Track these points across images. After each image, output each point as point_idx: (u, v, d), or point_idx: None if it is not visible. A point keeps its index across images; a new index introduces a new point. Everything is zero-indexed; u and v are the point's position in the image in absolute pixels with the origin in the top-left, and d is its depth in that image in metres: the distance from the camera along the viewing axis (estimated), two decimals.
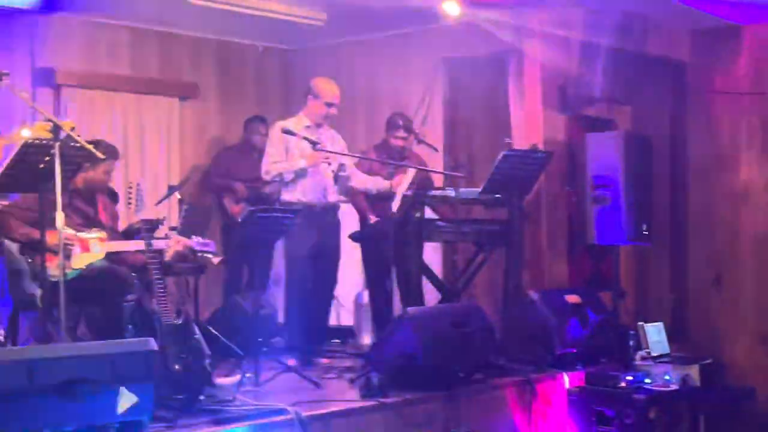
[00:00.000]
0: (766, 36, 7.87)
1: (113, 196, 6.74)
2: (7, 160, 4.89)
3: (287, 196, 6.65)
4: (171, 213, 7.93)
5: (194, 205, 7.77)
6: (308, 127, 6.62)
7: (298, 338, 6.72)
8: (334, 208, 6.82)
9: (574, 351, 6.54)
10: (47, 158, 4.92)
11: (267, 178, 6.71)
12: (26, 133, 5.15)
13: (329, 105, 6.64)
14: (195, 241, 6.07)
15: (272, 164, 6.59)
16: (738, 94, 7.97)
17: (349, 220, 7.68)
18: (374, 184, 6.87)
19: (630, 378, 6.26)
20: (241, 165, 8.11)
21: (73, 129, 5.03)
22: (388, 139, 7.34)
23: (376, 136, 7.70)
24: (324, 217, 6.69)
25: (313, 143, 6.46)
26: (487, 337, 6.01)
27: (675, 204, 8.31)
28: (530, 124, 7.33)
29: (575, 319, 6.62)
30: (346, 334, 7.99)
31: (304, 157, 6.52)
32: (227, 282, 8.09)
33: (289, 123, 6.64)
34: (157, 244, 5.57)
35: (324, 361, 6.68)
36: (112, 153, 5.87)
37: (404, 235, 6.59)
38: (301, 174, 6.55)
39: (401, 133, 7.27)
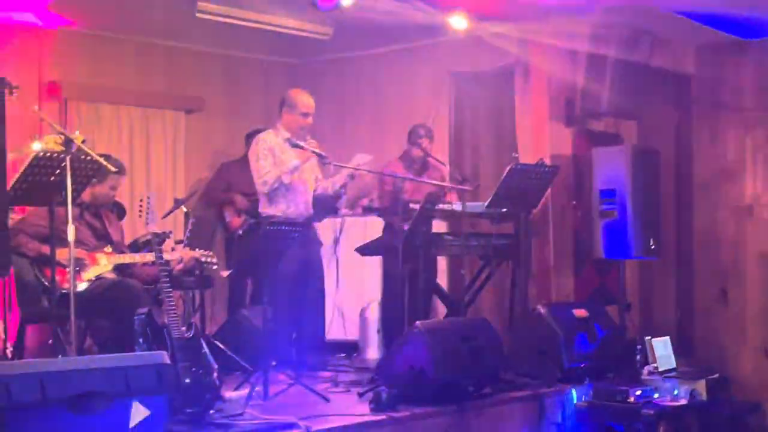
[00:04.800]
0: None
1: (120, 211, 6.76)
2: (18, 174, 4.89)
3: (269, 209, 6.63)
4: (176, 226, 7.92)
5: (200, 218, 7.76)
6: (288, 139, 6.63)
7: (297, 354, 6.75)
8: (312, 222, 6.84)
9: (582, 365, 6.53)
10: (58, 171, 4.94)
11: (266, 189, 6.61)
12: (37, 147, 5.16)
13: (305, 115, 6.66)
14: (199, 253, 6.10)
15: (266, 174, 6.57)
16: (743, 109, 7.99)
17: (352, 233, 7.70)
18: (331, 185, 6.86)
19: (639, 393, 6.24)
20: (242, 178, 8.07)
21: (83, 142, 5.03)
22: (410, 150, 7.35)
23: (383, 149, 7.70)
24: (307, 231, 6.68)
25: (322, 157, 6.49)
26: (495, 352, 6.00)
27: (680, 218, 8.32)
28: (537, 137, 7.34)
29: (583, 334, 6.61)
30: (351, 348, 7.98)
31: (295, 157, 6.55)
32: (232, 296, 8.08)
33: (270, 136, 6.66)
34: (167, 256, 5.57)
35: (324, 374, 6.66)
36: (120, 169, 5.86)
37: (412, 248, 6.58)
38: (287, 186, 6.56)
39: (425, 143, 7.28)
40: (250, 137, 8.35)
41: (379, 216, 7.38)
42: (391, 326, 7.21)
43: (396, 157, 7.49)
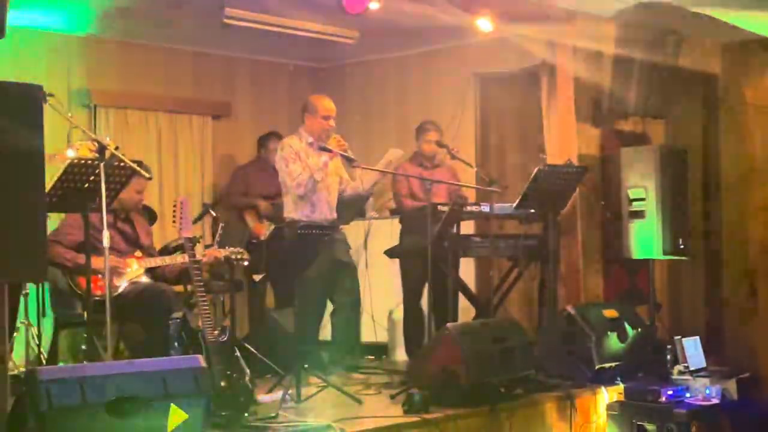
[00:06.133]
0: None
1: (151, 216, 6.80)
2: (54, 181, 4.94)
3: (294, 214, 6.66)
4: (205, 231, 7.97)
5: (229, 222, 7.79)
6: (311, 143, 6.67)
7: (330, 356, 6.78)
8: (336, 225, 6.85)
9: (613, 365, 6.52)
10: (92, 178, 4.98)
11: (301, 191, 6.62)
12: (71, 154, 5.20)
13: (326, 118, 6.72)
14: (229, 251, 6.14)
15: (299, 176, 6.60)
16: None
17: (379, 235, 7.71)
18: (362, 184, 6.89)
19: (670, 392, 6.22)
20: (259, 182, 8.11)
21: (117, 149, 5.08)
22: (420, 147, 7.35)
23: (409, 151, 7.69)
24: (335, 234, 6.69)
25: (350, 159, 6.52)
26: (526, 353, 6.01)
27: (709, 217, 8.28)
28: (564, 138, 7.31)
29: (613, 334, 6.60)
30: (380, 350, 8.00)
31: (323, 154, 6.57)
32: (254, 301, 8.09)
33: (294, 140, 6.70)
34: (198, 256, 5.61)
35: (357, 376, 6.68)
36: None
37: (441, 251, 6.59)
38: (312, 189, 6.60)
39: (433, 135, 7.25)
40: (262, 140, 8.38)
41: (402, 218, 7.36)
42: (413, 328, 7.23)
43: (406, 160, 7.46)
